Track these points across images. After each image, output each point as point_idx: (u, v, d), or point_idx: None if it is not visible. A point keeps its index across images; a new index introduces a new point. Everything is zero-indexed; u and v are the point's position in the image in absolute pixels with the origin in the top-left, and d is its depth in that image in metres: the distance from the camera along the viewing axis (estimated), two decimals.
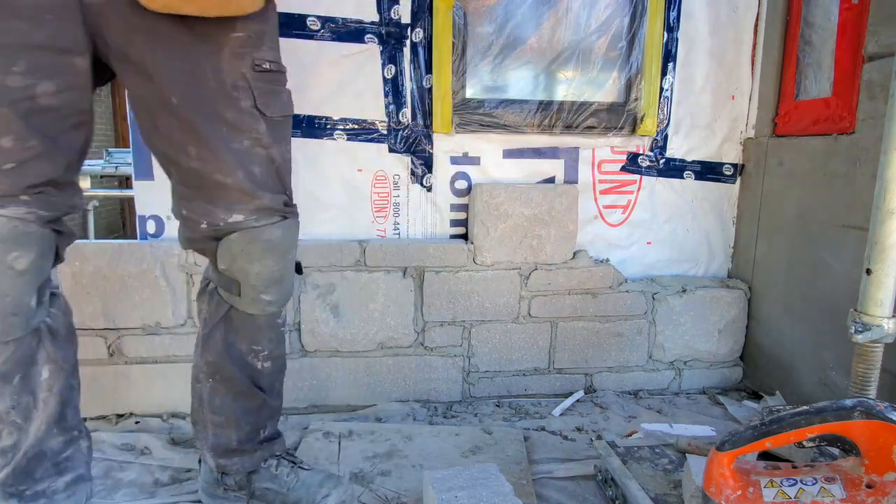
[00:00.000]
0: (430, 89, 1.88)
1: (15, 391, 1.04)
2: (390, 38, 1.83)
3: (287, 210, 1.15)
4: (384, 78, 1.85)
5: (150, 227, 1.84)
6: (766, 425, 0.96)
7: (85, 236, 5.97)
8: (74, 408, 1.16)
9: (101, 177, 4.92)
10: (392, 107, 1.88)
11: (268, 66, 1.06)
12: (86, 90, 0.99)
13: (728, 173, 2.08)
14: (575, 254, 1.95)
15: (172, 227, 1.83)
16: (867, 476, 0.93)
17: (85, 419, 1.76)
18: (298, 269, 1.22)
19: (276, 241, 1.12)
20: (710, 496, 1.00)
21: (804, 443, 0.97)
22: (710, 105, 2.02)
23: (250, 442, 1.28)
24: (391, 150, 1.90)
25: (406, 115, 1.89)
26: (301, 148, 1.85)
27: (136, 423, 1.76)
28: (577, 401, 1.94)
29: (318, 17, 1.79)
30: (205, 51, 0.99)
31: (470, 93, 1.93)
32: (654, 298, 1.99)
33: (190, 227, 1.13)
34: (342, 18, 1.80)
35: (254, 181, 1.07)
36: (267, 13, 1.06)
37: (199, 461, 1.35)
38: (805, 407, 0.98)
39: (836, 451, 1.10)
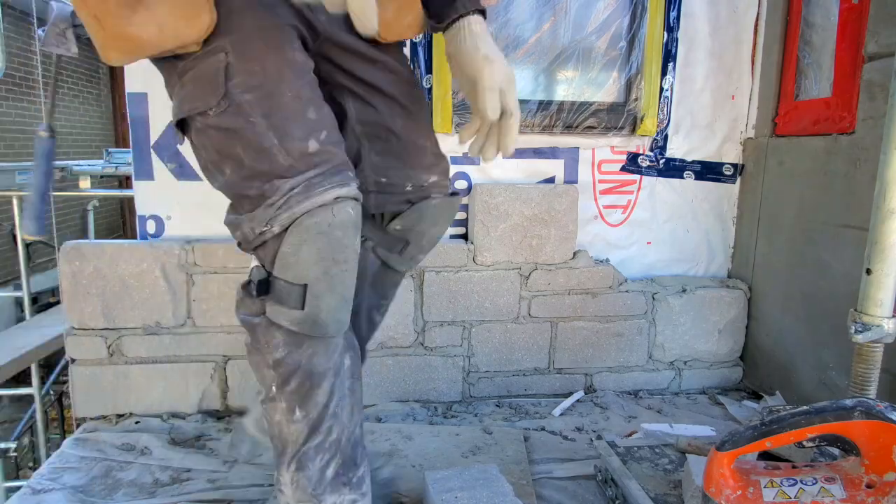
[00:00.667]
0: (430, 89, 1.88)
1: (340, 382, 1.03)
2: None
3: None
4: None
5: (150, 227, 1.84)
6: (766, 425, 0.96)
7: (85, 236, 5.98)
8: (361, 391, 1.17)
9: (101, 177, 4.91)
10: None
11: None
12: None
13: (728, 173, 2.08)
14: (575, 254, 1.95)
15: (172, 227, 1.83)
16: (867, 476, 0.93)
17: (85, 419, 1.78)
18: None
19: (456, 209, 1.28)
20: (711, 496, 1.00)
21: (804, 443, 0.96)
22: (710, 105, 2.02)
23: None
24: None
25: None
26: None
27: (136, 423, 1.76)
28: (577, 401, 1.94)
29: None
30: (395, 55, 1.15)
31: None
32: (653, 298, 1.99)
33: (391, 193, 1.18)
34: None
35: (438, 147, 1.21)
36: None
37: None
38: (805, 407, 0.98)
39: (836, 451, 1.10)
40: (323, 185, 0.92)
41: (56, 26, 1.01)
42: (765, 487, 0.98)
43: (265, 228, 0.92)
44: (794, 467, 1.04)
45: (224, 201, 1.85)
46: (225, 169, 0.93)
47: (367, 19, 0.84)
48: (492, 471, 1.28)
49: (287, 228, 0.91)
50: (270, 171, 0.90)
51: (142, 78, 1.76)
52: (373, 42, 1.08)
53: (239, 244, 0.98)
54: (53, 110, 1.08)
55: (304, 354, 0.98)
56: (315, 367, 0.99)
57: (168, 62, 0.94)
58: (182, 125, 0.95)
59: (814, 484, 0.97)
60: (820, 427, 0.93)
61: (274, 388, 1.00)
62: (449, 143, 1.92)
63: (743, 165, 2.07)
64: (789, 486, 0.98)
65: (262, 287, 0.96)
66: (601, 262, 1.99)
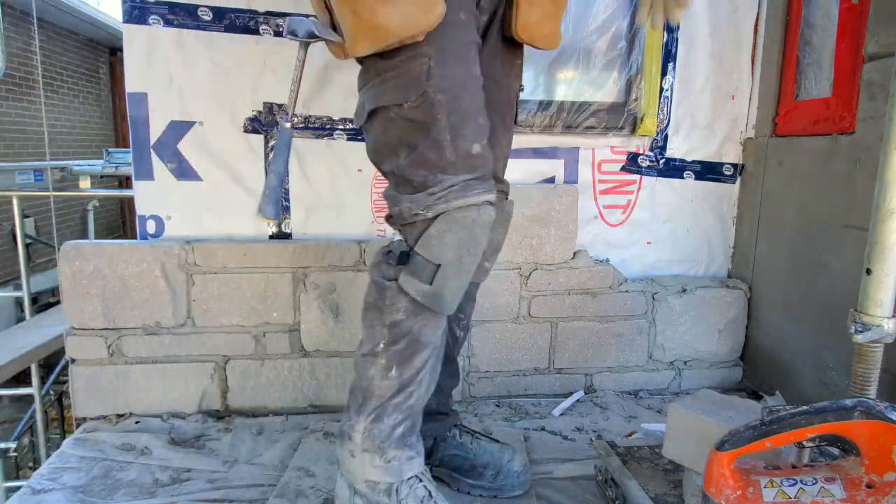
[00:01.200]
0: None
1: (433, 357, 1.18)
2: None
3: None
4: None
5: (150, 227, 1.84)
6: (766, 425, 0.96)
7: (85, 236, 5.98)
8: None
9: (101, 177, 4.92)
10: None
11: (520, 91, 1.36)
12: None
13: (728, 173, 2.08)
14: (575, 254, 1.95)
15: (172, 227, 1.84)
16: (867, 476, 0.93)
17: (85, 419, 1.78)
18: None
19: (510, 215, 1.41)
20: (711, 496, 1.00)
21: (804, 443, 0.96)
22: (710, 105, 2.02)
23: (444, 406, 1.43)
24: None
25: None
26: (302, 147, 1.85)
27: (136, 423, 1.76)
28: (577, 401, 1.94)
29: None
30: (510, 70, 1.29)
31: None
32: (654, 298, 1.99)
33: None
34: None
35: (505, 164, 1.36)
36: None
37: None
38: (805, 407, 0.98)
39: (836, 450, 1.10)
40: (477, 188, 1.08)
41: (318, 23, 1.15)
42: (765, 487, 0.98)
43: (421, 211, 1.07)
44: (794, 467, 1.04)
45: (224, 201, 1.84)
46: (400, 154, 1.09)
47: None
48: (717, 395, 1.27)
49: (439, 216, 1.07)
50: (437, 163, 1.07)
51: (142, 78, 1.76)
52: (506, 51, 1.24)
53: (389, 217, 1.15)
54: (296, 101, 1.27)
55: (417, 323, 1.13)
56: (422, 336, 1.14)
57: (372, 59, 1.09)
58: (371, 113, 1.12)
59: (814, 484, 0.97)
60: (820, 427, 0.93)
61: (382, 345, 1.14)
62: None
63: (743, 165, 2.07)
64: (789, 486, 0.98)
65: (403, 258, 1.12)
66: (601, 262, 1.99)
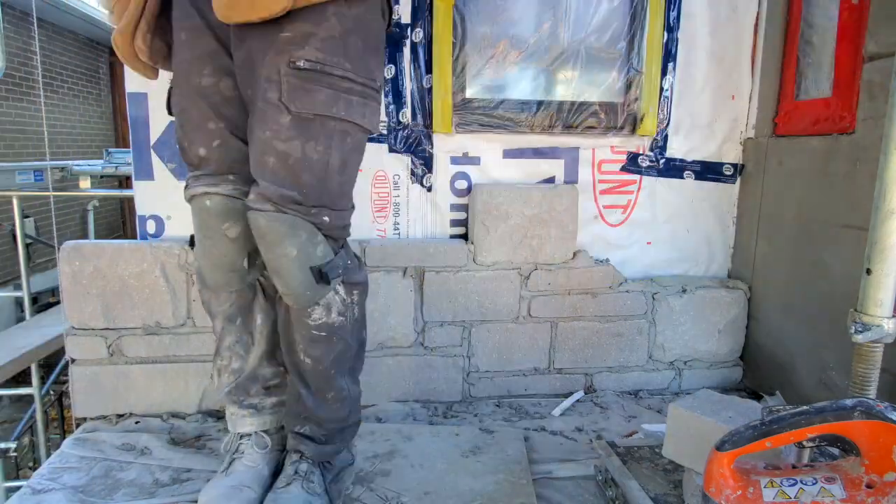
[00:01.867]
0: (430, 89, 1.88)
1: (238, 330, 1.37)
2: (390, 38, 1.83)
3: (288, 206, 1.14)
4: (384, 78, 1.85)
5: (150, 227, 1.84)
6: (766, 425, 0.96)
7: (85, 236, 5.98)
8: (278, 349, 1.39)
9: (101, 177, 4.92)
10: (392, 107, 1.88)
11: (303, 65, 1.10)
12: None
13: (728, 173, 2.08)
14: (575, 254, 1.95)
15: (172, 227, 1.84)
16: (867, 476, 0.93)
17: (85, 419, 1.77)
18: (320, 277, 1.20)
19: (262, 230, 1.15)
20: (710, 496, 1.00)
21: (804, 443, 0.96)
22: (710, 105, 2.02)
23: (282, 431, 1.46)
24: (391, 150, 1.90)
25: (406, 115, 1.89)
26: None
27: (136, 423, 1.76)
28: (577, 401, 1.94)
29: None
30: (259, 48, 1.14)
31: (470, 93, 1.93)
32: (653, 298, 1.99)
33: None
34: None
35: (264, 167, 1.14)
36: (325, 19, 1.12)
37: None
38: (805, 407, 0.98)
39: (836, 451, 1.10)
40: (200, 181, 1.26)
41: None
42: (765, 487, 0.98)
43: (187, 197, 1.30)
44: (794, 467, 1.04)
45: None
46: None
47: None
48: (716, 395, 1.29)
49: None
50: (185, 162, 1.30)
51: (142, 78, 1.76)
52: (249, 33, 1.15)
53: None
54: None
55: (204, 295, 1.37)
56: (210, 308, 1.37)
57: None
58: None
59: (814, 484, 0.97)
60: (820, 427, 0.93)
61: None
62: (449, 144, 1.93)
63: (743, 165, 2.07)
64: (789, 486, 0.98)
65: (192, 240, 1.35)
66: (601, 262, 1.99)
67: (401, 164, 1.91)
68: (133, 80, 1.76)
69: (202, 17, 1.20)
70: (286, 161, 1.13)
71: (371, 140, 1.87)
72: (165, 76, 1.31)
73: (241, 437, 1.39)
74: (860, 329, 1.20)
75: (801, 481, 0.98)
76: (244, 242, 1.28)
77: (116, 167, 4.72)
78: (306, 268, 1.17)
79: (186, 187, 1.29)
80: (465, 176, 1.95)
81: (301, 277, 1.18)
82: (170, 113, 1.30)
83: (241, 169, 1.24)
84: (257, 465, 1.36)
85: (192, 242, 1.35)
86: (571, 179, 2.00)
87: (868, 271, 1.20)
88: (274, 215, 1.13)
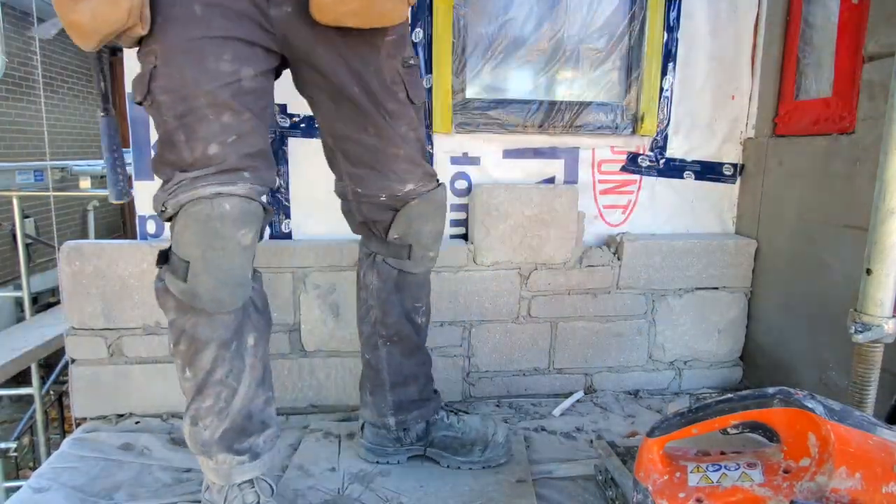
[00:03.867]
0: (430, 89, 1.88)
1: (231, 357, 1.16)
2: None
3: (437, 177, 1.35)
4: None
5: (150, 227, 1.84)
6: (693, 412, 0.98)
7: (85, 236, 5.97)
8: (270, 371, 1.28)
9: (102, 177, 4.91)
10: None
11: (412, 62, 1.25)
12: (271, 78, 1.17)
13: (728, 173, 2.08)
14: (574, 254, 1.95)
15: None
16: (785, 462, 0.94)
17: (85, 419, 1.77)
18: None
19: (442, 201, 1.36)
20: (640, 480, 1.03)
21: (728, 430, 0.98)
22: (710, 105, 2.02)
23: (426, 392, 1.50)
24: None
25: None
26: (302, 148, 1.85)
27: (136, 423, 1.76)
28: (577, 401, 1.94)
29: None
30: (367, 53, 1.17)
31: (470, 93, 1.93)
32: (653, 298, 1.99)
33: (366, 206, 1.31)
34: None
35: (404, 157, 1.26)
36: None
37: (361, 427, 1.53)
38: (730, 395, 1.00)
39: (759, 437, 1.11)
40: (206, 181, 1.06)
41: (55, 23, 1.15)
42: (690, 472, 1.01)
43: (162, 208, 1.10)
44: (722, 453, 1.06)
45: None
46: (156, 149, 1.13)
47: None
48: None
49: (178, 212, 1.08)
50: (175, 163, 1.08)
51: None
52: (340, 36, 1.13)
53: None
54: (103, 92, 1.31)
55: (188, 322, 1.12)
56: (198, 335, 1.12)
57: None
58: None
59: (736, 469, 1.00)
60: (742, 414, 0.94)
61: (172, 346, 1.17)
62: (449, 144, 1.93)
63: (743, 165, 2.07)
64: (713, 471, 1.01)
65: (163, 257, 1.15)
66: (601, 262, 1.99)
67: None
68: None
69: None
70: (420, 145, 1.30)
71: None
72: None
73: (240, 486, 1.22)
74: (860, 329, 1.20)
75: (725, 467, 1.01)
76: (253, 250, 1.15)
77: None
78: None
79: (177, 191, 1.07)
80: (465, 176, 1.95)
81: (441, 239, 1.39)
82: (141, 101, 1.08)
83: (254, 165, 1.11)
84: None
85: (163, 259, 1.14)
86: (571, 179, 2.00)
87: (868, 271, 1.20)
88: (442, 187, 1.35)
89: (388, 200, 1.29)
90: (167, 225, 1.63)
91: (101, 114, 1.26)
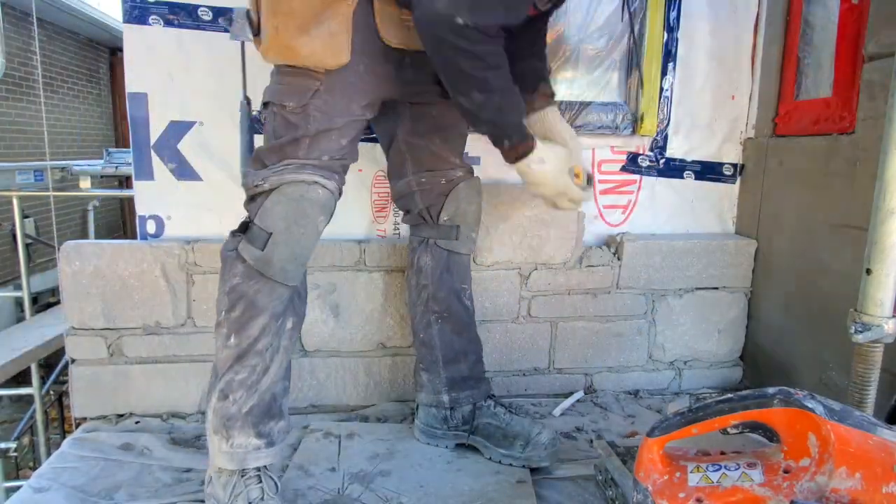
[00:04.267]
0: None
1: (276, 332, 1.28)
2: None
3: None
4: None
5: (150, 227, 1.84)
6: (693, 412, 0.98)
7: (85, 236, 5.98)
8: (290, 362, 1.38)
9: (101, 177, 4.91)
10: None
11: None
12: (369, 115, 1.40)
13: (728, 173, 2.08)
14: (574, 254, 1.95)
15: (172, 227, 1.84)
16: (785, 461, 0.94)
17: (85, 419, 1.78)
18: None
19: (479, 186, 1.60)
20: (640, 480, 1.03)
21: (728, 430, 0.98)
22: (710, 105, 2.02)
23: (477, 371, 1.61)
24: None
25: None
26: None
27: (136, 423, 1.76)
28: (577, 401, 1.94)
29: None
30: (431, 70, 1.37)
31: None
32: (653, 298, 1.99)
33: (429, 189, 1.53)
34: None
35: (463, 158, 1.61)
36: None
37: (416, 408, 1.64)
38: (730, 395, 1.00)
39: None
40: (311, 171, 1.26)
41: (237, 21, 1.31)
42: (690, 472, 1.01)
43: (260, 183, 1.25)
44: (722, 453, 1.06)
45: (224, 201, 1.85)
46: (268, 141, 1.31)
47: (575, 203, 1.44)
48: None
49: (273, 190, 1.25)
50: (289, 156, 1.27)
51: (142, 78, 1.76)
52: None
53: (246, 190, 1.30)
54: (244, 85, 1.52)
55: (251, 287, 1.24)
56: (257, 302, 1.25)
57: (281, 65, 1.30)
58: (265, 104, 1.33)
59: (736, 469, 0.99)
60: (742, 414, 0.95)
61: (223, 314, 1.27)
62: None
63: (743, 165, 2.07)
64: (713, 471, 1.01)
65: (242, 227, 1.30)
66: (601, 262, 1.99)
67: None
68: (133, 80, 1.76)
69: (381, 59, 1.33)
70: (464, 140, 1.63)
71: (370, 140, 1.87)
72: None
73: (247, 480, 1.24)
74: (860, 329, 1.20)
75: (725, 467, 1.01)
76: (319, 238, 1.33)
77: (116, 167, 4.71)
78: None
79: (283, 171, 1.25)
80: None
81: (480, 222, 1.63)
82: (287, 106, 1.27)
83: (342, 174, 1.35)
84: None
85: (242, 229, 1.29)
86: None
87: (868, 271, 1.20)
88: (478, 177, 1.62)
89: (447, 184, 1.53)
90: (167, 224, 1.71)
91: (244, 101, 1.48)
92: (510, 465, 1.49)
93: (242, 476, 1.25)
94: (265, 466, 1.28)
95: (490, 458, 1.52)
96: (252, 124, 1.47)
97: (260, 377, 1.26)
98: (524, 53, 1.45)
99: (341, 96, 1.29)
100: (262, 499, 1.23)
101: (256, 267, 1.24)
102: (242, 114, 1.46)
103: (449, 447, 1.57)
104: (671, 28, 1.95)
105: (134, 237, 1.85)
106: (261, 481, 1.25)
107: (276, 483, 1.29)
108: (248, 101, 1.47)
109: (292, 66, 1.27)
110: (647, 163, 2.03)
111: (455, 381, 1.57)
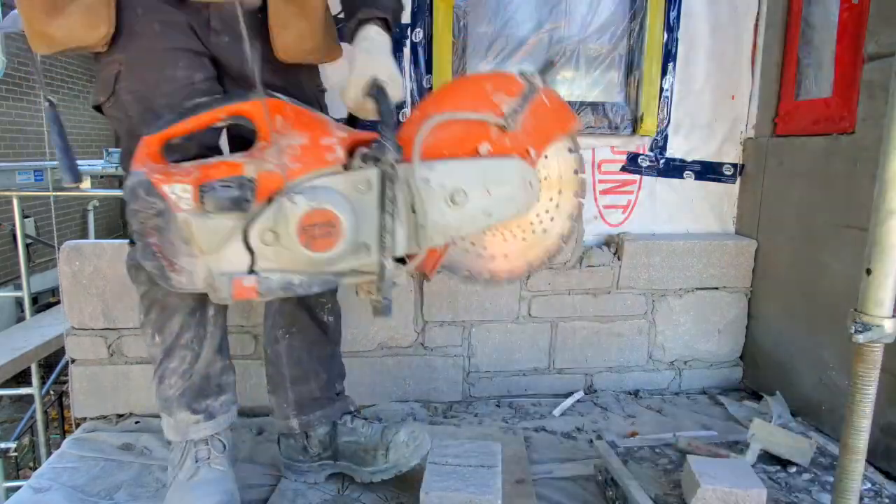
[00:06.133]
0: (430, 89, 1.88)
1: (196, 323, 1.28)
2: None
3: None
4: None
5: None
6: (189, 110, 1.07)
7: (85, 236, 5.98)
8: (227, 342, 1.39)
9: (101, 177, 4.91)
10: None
11: (323, 88, 1.44)
12: (217, 85, 1.27)
13: (728, 173, 2.08)
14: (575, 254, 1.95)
15: None
16: (261, 142, 1.08)
17: (84, 419, 1.77)
18: None
19: None
20: (134, 170, 1.06)
21: (219, 124, 1.10)
22: (710, 105, 2.02)
23: (329, 391, 1.46)
24: None
25: (406, 115, 1.89)
26: None
27: (136, 423, 1.76)
28: (577, 401, 1.94)
29: None
30: (304, 79, 1.36)
31: None
32: (653, 298, 1.99)
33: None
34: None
35: None
36: None
37: (278, 441, 1.49)
38: (219, 95, 1.17)
39: None
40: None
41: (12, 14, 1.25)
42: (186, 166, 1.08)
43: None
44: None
45: None
46: (120, 145, 1.26)
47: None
48: (490, 447, 1.34)
49: None
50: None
51: None
52: (274, 67, 1.26)
53: None
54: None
55: (160, 292, 1.24)
56: (168, 303, 1.26)
57: (94, 60, 1.21)
58: (98, 109, 1.25)
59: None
60: (226, 108, 1.07)
61: (142, 317, 1.31)
62: None
63: (743, 165, 2.07)
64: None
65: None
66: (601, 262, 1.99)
67: None
68: None
69: (181, 14, 1.20)
70: None
71: None
72: None
73: (196, 443, 1.31)
74: (860, 329, 1.20)
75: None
76: None
77: (116, 167, 4.70)
78: None
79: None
80: None
81: None
82: (104, 101, 1.20)
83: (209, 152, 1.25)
84: (226, 469, 1.31)
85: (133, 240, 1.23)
86: None
87: (868, 271, 1.20)
88: None
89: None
90: None
91: (47, 104, 1.35)
92: (383, 480, 1.37)
93: (191, 441, 1.33)
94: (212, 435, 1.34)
95: (363, 482, 1.39)
96: (61, 127, 1.33)
97: (192, 364, 1.30)
98: None
99: (148, 68, 1.17)
100: (208, 458, 1.31)
101: (152, 275, 1.17)
102: (47, 117, 1.34)
103: (319, 482, 1.43)
104: (671, 28, 1.95)
105: None
106: (208, 444, 1.32)
107: (223, 444, 1.34)
108: (50, 102, 1.33)
109: (97, 56, 1.18)
110: (647, 163, 2.03)
111: (304, 403, 1.42)
